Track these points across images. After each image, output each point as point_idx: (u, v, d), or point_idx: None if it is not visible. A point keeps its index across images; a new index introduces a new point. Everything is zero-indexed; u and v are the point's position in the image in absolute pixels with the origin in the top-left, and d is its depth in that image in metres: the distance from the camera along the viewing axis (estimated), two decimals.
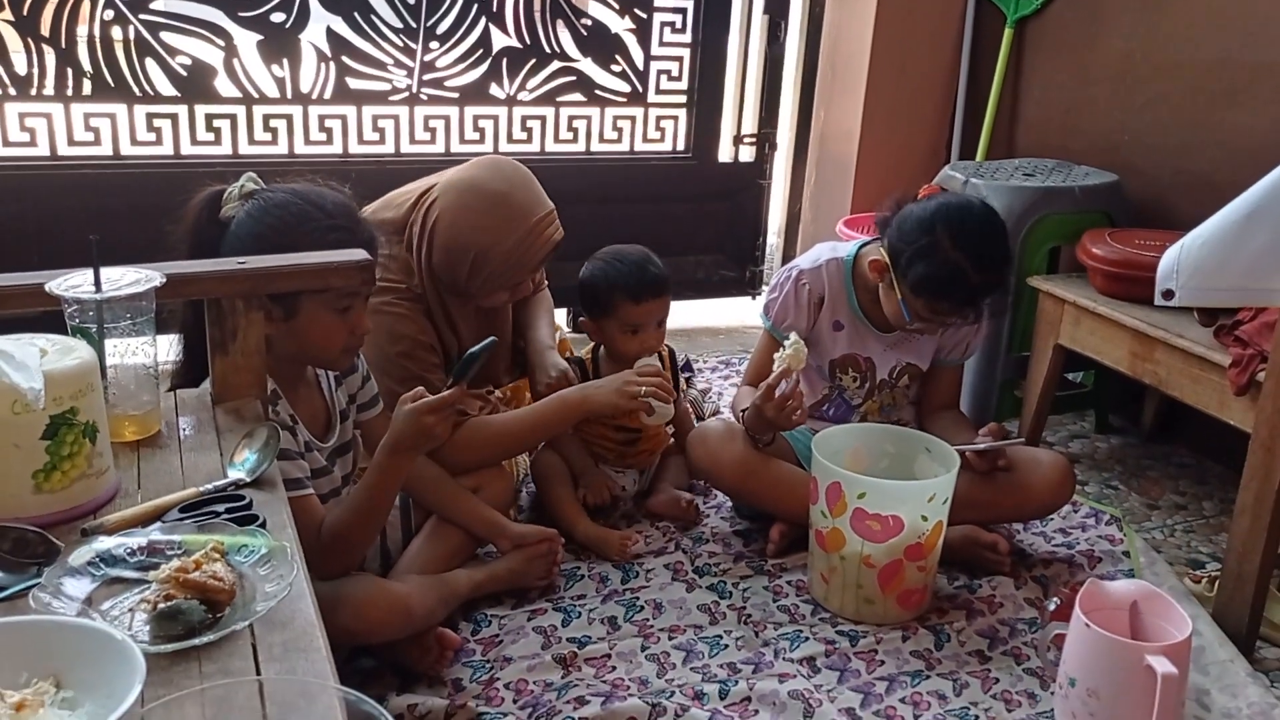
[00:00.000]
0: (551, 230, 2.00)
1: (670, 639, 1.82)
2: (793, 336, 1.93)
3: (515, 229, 1.95)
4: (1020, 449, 2.06)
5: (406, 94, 2.99)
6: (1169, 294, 1.62)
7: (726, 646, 1.81)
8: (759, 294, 3.53)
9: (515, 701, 1.64)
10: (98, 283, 1.25)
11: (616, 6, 3.14)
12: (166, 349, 1.64)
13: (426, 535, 1.90)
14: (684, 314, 3.44)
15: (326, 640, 0.97)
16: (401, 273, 1.99)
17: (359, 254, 1.48)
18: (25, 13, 2.60)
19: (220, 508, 1.15)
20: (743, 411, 2.05)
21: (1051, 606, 1.79)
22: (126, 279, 1.27)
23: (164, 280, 1.29)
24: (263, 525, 1.12)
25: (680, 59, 3.26)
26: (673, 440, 2.30)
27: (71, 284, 1.26)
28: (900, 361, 2.16)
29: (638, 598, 1.92)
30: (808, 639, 1.83)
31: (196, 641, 0.92)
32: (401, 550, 1.90)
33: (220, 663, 0.92)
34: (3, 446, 1.07)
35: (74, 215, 2.68)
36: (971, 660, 1.81)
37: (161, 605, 0.95)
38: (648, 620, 1.87)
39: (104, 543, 1.04)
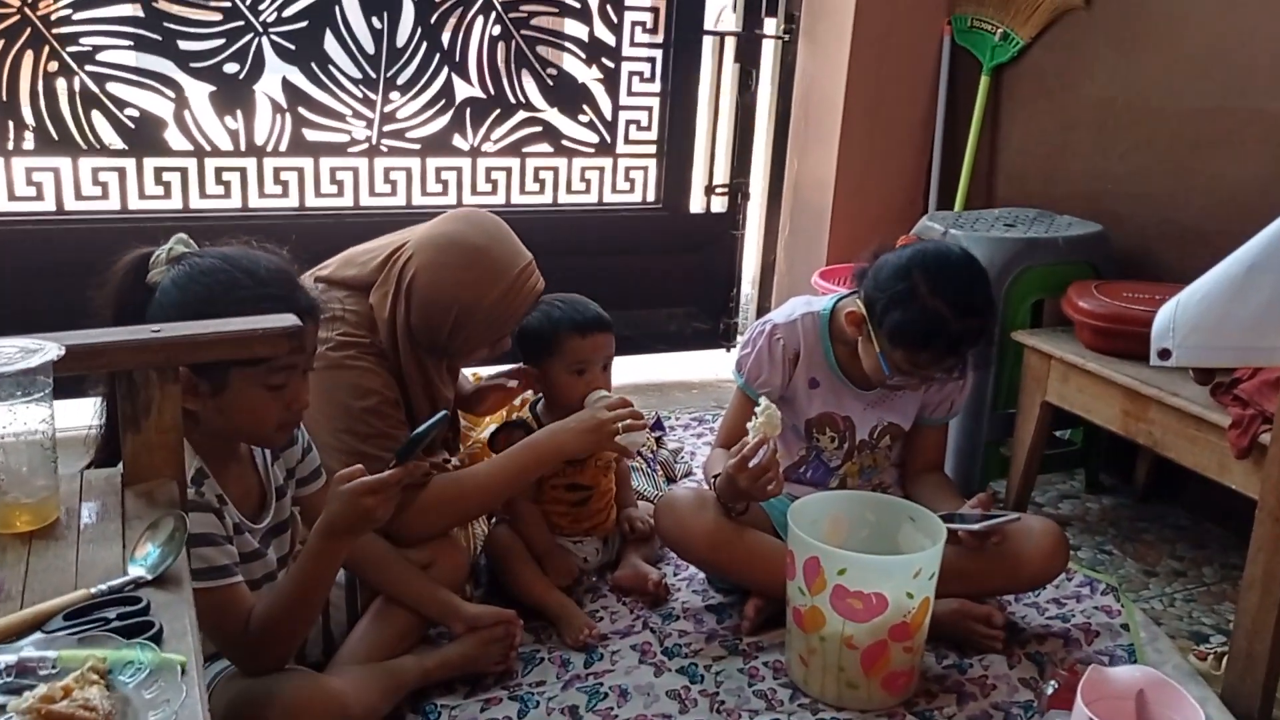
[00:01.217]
0: (533, 281, 1.91)
1: None
2: (764, 402, 1.81)
3: (498, 283, 1.84)
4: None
5: (366, 145, 2.88)
6: (1165, 354, 1.52)
7: None
8: (733, 346, 3.42)
9: None
10: None
11: (584, 56, 3.06)
12: (94, 413, 1.51)
13: (372, 617, 1.76)
14: (656, 368, 3.32)
15: None
16: (364, 327, 1.88)
17: (287, 319, 1.35)
18: None
19: (112, 613, 1.01)
20: (714, 477, 1.93)
21: (1049, 690, 1.66)
22: (16, 351, 1.14)
23: (63, 352, 1.16)
24: (158, 634, 0.98)
25: (650, 109, 3.17)
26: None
27: None
28: (881, 421, 2.05)
29: (601, 684, 1.78)
30: None
31: None
32: (346, 633, 1.76)
33: None
34: None
35: (14, 274, 2.55)
36: None
37: None
38: (612, 709, 1.72)
39: None
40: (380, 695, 1.60)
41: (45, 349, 1.16)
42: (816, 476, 2.07)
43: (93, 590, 1.04)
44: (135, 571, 1.08)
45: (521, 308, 1.90)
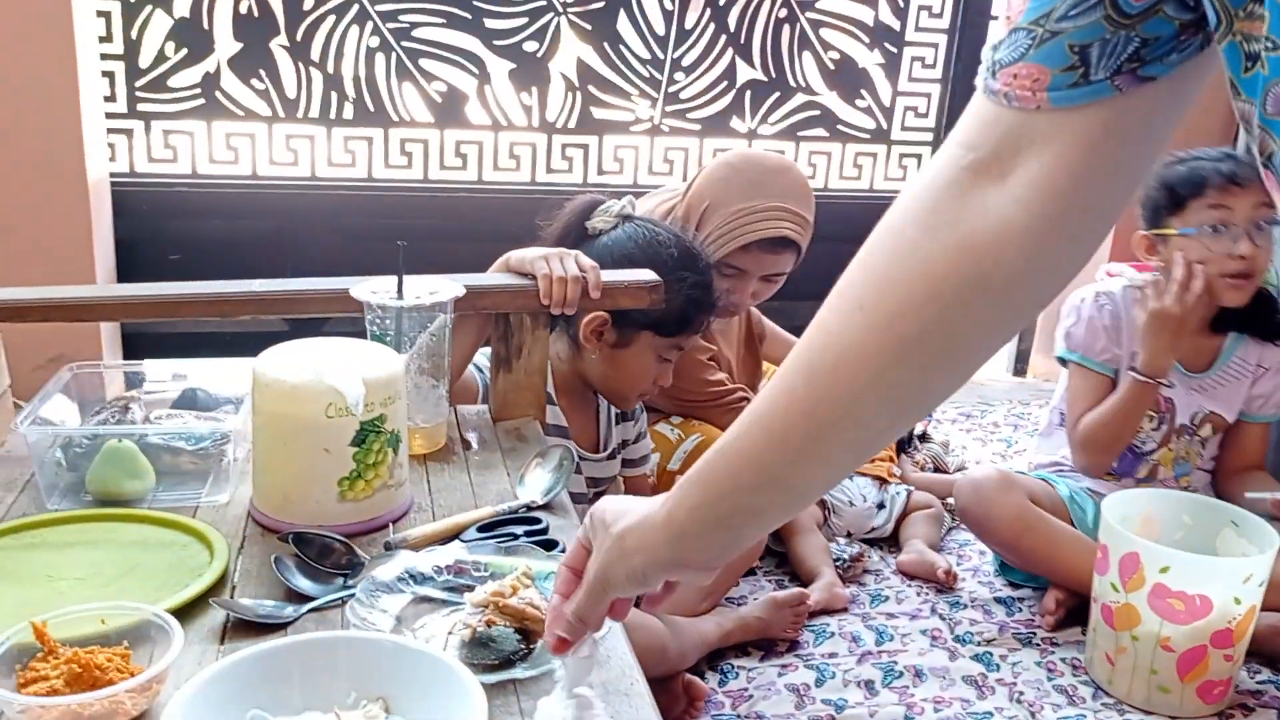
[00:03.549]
0: (777, 221, 1.88)
1: (935, 710, 1.66)
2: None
3: (747, 196, 1.87)
4: None
5: (649, 125, 2.96)
6: None
7: None
8: None
9: None
10: (401, 290, 1.23)
11: (866, 40, 3.04)
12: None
13: None
14: None
15: (646, 684, 0.89)
16: None
17: (647, 274, 1.43)
18: (299, 38, 2.71)
19: (519, 529, 1.09)
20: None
21: None
22: (429, 288, 1.25)
23: (464, 291, 1.26)
24: (563, 552, 1.05)
25: (929, 95, 3.12)
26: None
27: (375, 290, 1.24)
28: (1203, 409, 1.96)
29: (895, 662, 1.77)
30: None
31: (517, 674, 0.85)
32: None
33: (535, 699, 0.85)
34: (313, 450, 1.05)
35: (325, 233, 2.76)
36: None
37: (479, 631, 0.89)
38: (908, 688, 1.72)
39: (411, 558, 1.00)
40: (690, 646, 1.65)
41: (451, 287, 1.26)
42: (1123, 467, 1.99)
43: (498, 508, 1.13)
44: (528, 495, 1.17)
45: (750, 234, 1.87)
